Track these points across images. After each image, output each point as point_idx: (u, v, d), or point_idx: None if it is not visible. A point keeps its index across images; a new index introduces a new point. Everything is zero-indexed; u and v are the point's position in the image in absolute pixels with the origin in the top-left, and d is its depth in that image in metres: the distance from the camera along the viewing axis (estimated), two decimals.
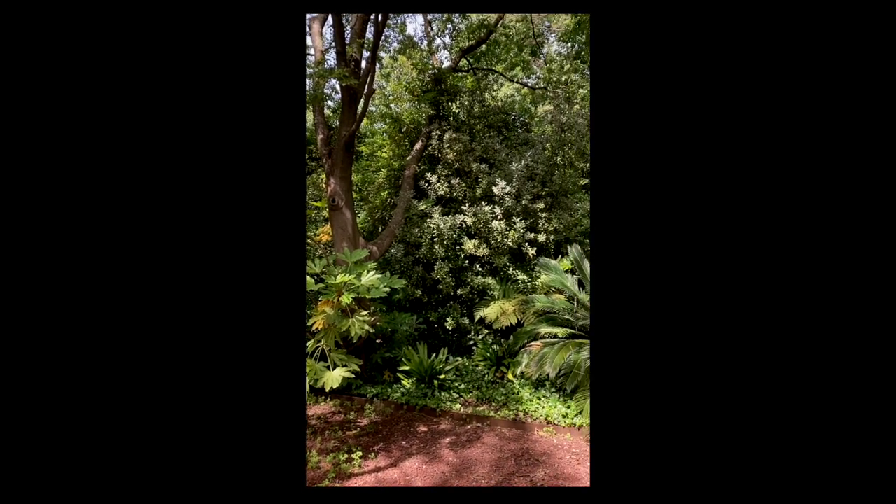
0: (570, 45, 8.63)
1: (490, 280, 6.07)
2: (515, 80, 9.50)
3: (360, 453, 3.88)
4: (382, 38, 6.37)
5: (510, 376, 5.35)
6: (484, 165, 6.46)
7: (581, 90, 7.64)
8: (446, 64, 8.79)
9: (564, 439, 4.11)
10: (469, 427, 4.45)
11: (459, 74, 7.99)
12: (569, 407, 4.52)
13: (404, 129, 7.54)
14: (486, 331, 6.03)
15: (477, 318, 5.89)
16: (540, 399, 4.77)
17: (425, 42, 9.52)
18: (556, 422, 4.37)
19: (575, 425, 4.30)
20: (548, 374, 4.74)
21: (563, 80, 7.97)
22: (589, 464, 3.60)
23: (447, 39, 9.05)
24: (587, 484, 3.24)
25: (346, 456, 3.86)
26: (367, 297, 3.64)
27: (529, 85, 9.11)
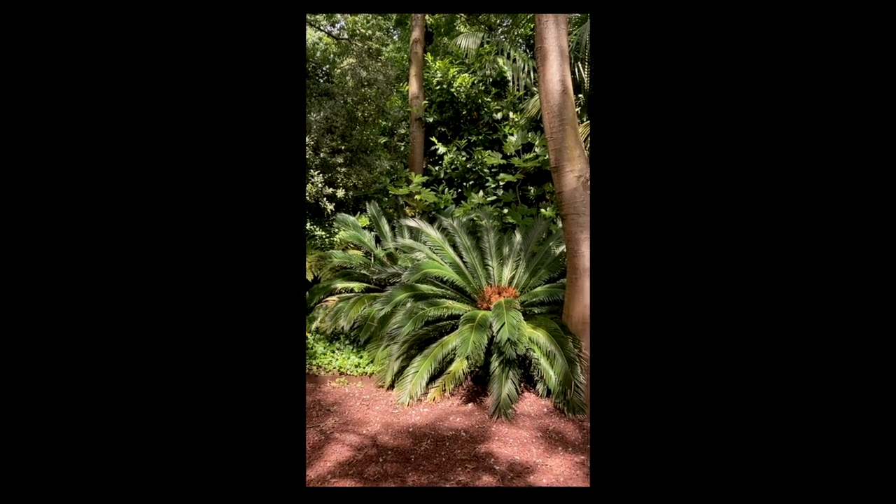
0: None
1: None
2: (318, 26, 8.98)
3: None
4: None
5: (305, 332, 5.28)
6: None
7: (384, 48, 7.64)
8: None
9: (356, 387, 4.27)
10: None
11: None
12: (361, 357, 4.69)
13: None
14: None
15: None
16: (334, 352, 4.83)
17: None
18: (348, 372, 4.51)
19: (366, 374, 4.50)
20: (342, 328, 4.82)
21: (368, 34, 7.85)
22: (377, 407, 3.83)
23: None
24: (377, 428, 3.44)
25: None
26: None
27: (333, 34, 8.73)
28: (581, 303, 3.66)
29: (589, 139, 5.89)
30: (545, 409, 3.72)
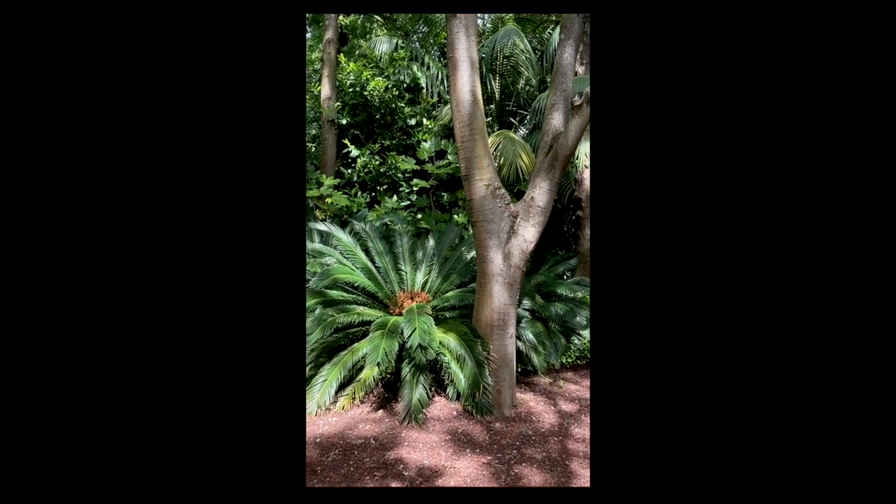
0: None
1: None
2: None
3: None
4: None
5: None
6: None
7: None
8: None
9: None
10: None
11: None
12: None
13: None
14: None
15: None
16: None
17: None
18: None
19: None
20: None
21: None
22: None
23: None
24: None
25: None
26: None
27: None
28: (490, 306, 3.77)
29: (500, 149, 6.12)
30: (455, 413, 3.78)
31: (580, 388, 4.51)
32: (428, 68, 7.18)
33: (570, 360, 4.99)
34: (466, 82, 3.63)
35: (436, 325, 4.00)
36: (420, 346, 3.55)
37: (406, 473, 2.92)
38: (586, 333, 5.15)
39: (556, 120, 3.72)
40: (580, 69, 6.98)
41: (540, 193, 3.72)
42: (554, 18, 8.39)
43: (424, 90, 7.12)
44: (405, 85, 7.14)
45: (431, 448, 3.25)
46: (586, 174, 6.92)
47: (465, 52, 3.60)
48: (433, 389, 4.03)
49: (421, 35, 10.00)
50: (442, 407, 3.86)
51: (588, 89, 3.54)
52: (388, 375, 4.01)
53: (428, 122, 6.81)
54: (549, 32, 8.61)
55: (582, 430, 3.56)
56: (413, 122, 6.92)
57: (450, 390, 3.89)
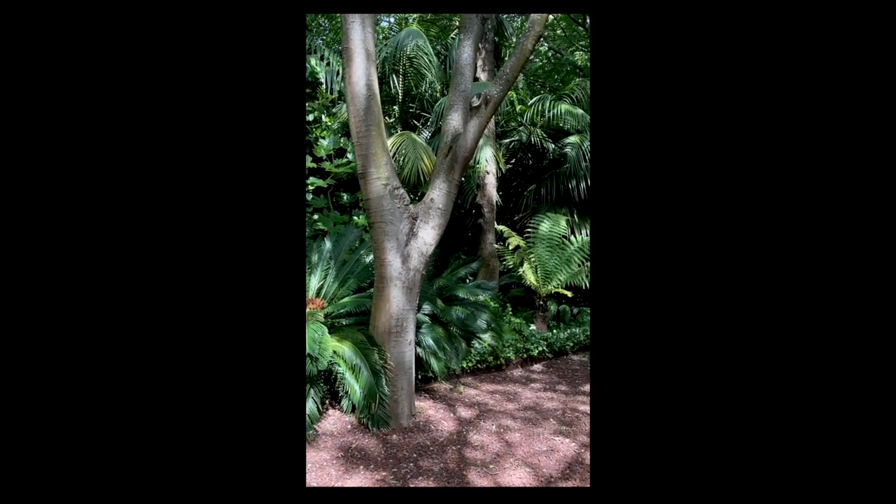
0: None
1: None
2: None
3: None
4: None
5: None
6: None
7: None
8: None
9: None
10: None
11: None
12: None
13: None
14: None
15: None
16: None
17: None
18: None
19: None
20: None
21: None
22: None
23: None
24: None
25: None
26: None
27: None
28: (387, 312, 3.59)
29: (401, 150, 5.97)
30: (349, 426, 3.54)
31: (480, 392, 4.48)
32: (328, 63, 6.85)
33: (470, 364, 4.95)
34: (362, 75, 3.43)
35: (330, 332, 3.74)
36: (310, 355, 3.27)
37: None
38: (487, 337, 5.15)
39: (454, 121, 3.65)
40: (482, 75, 7.07)
41: (439, 195, 3.62)
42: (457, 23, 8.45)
43: (323, 85, 6.78)
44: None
45: (320, 467, 2.98)
46: (488, 179, 7.01)
47: (360, 42, 3.40)
48: (327, 402, 3.76)
49: (323, 28, 9.59)
50: (335, 420, 3.60)
51: (487, 91, 3.51)
52: None
53: (327, 119, 6.49)
54: (452, 37, 8.66)
55: (480, 437, 3.50)
56: (311, 118, 6.56)
57: (344, 402, 3.64)
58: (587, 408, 4.14)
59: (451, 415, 3.90)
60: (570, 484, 2.90)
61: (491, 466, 3.07)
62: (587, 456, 3.22)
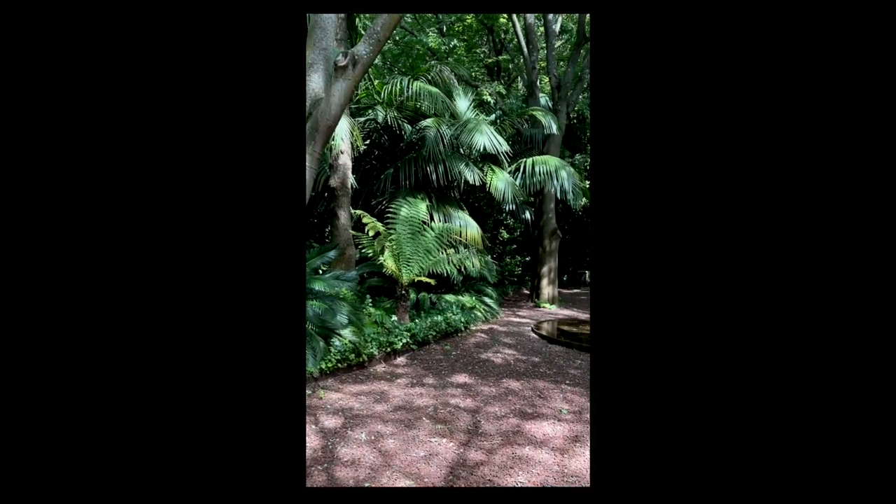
0: None
1: None
2: None
3: None
4: None
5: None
6: None
7: None
8: None
9: None
10: None
11: None
12: None
13: None
14: None
15: None
16: None
17: None
18: None
19: None
20: None
21: None
22: None
23: None
24: None
25: None
26: None
27: None
28: None
29: None
30: None
31: (344, 395, 4.01)
32: None
33: (330, 365, 4.43)
34: None
35: None
36: None
37: None
38: (347, 333, 4.68)
39: (315, 83, 3.08)
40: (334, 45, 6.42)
41: None
42: None
43: None
44: None
45: None
46: (342, 159, 6.43)
47: None
48: None
49: None
50: None
51: (355, 50, 3.01)
52: None
53: None
54: None
55: (350, 450, 3.05)
56: None
57: None
58: (459, 401, 3.97)
59: (314, 427, 3.38)
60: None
61: (367, 485, 2.66)
62: (469, 455, 3.01)
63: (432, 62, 8.37)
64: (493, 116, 9.56)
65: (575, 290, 12.17)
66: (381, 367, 4.90)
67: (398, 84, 6.97)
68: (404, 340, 5.37)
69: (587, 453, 3.04)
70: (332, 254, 5.85)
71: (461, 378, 4.61)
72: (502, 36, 12.73)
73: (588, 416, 3.68)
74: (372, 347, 4.91)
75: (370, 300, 6.05)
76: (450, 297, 7.20)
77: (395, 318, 5.88)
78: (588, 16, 9.45)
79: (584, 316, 8.42)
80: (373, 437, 3.23)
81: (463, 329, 6.60)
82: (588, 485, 2.71)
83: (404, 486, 2.68)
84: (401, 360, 5.23)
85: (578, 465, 2.91)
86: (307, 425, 3.39)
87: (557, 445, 3.17)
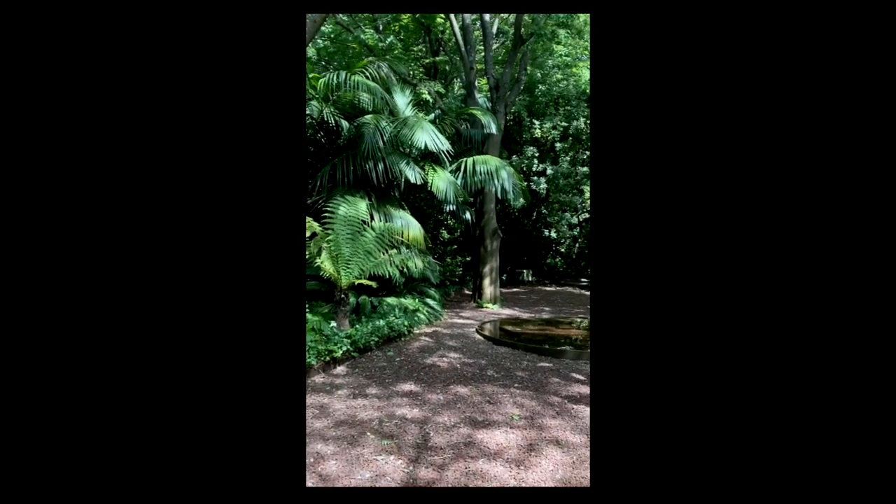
0: None
1: None
2: None
3: None
4: None
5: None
6: None
7: None
8: None
9: None
10: None
11: None
12: None
13: None
14: None
15: None
16: None
17: None
18: None
19: None
20: None
21: None
22: None
23: None
24: None
25: None
26: None
27: None
28: None
29: None
30: None
31: None
32: None
33: None
34: None
35: None
36: None
37: None
38: None
39: None
40: None
41: None
42: None
43: None
44: None
45: None
46: None
47: None
48: None
49: None
50: None
51: None
52: None
53: None
54: None
55: None
56: None
57: None
58: (405, 411, 3.73)
59: None
60: None
61: None
62: (420, 474, 2.79)
63: (370, 58, 8.07)
64: (432, 115, 9.38)
65: (515, 289, 12.26)
66: (319, 378, 4.56)
67: (335, 78, 6.61)
68: (345, 348, 5.05)
69: (544, 464, 2.91)
70: None
71: (407, 386, 4.38)
72: (439, 35, 12.62)
73: (539, 421, 3.57)
74: (309, 357, 4.56)
75: (307, 306, 5.66)
76: (392, 300, 6.93)
77: (333, 324, 5.54)
78: (525, 17, 9.53)
79: (526, 315, 8.45)
80: (312, 460, 2.93)
81: (406, 333, 6.36)
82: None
83: None
84: (341, 369, 4.91)
85: (536, 478, 2.76)
86: None
87: (512, 457, 3.01)
